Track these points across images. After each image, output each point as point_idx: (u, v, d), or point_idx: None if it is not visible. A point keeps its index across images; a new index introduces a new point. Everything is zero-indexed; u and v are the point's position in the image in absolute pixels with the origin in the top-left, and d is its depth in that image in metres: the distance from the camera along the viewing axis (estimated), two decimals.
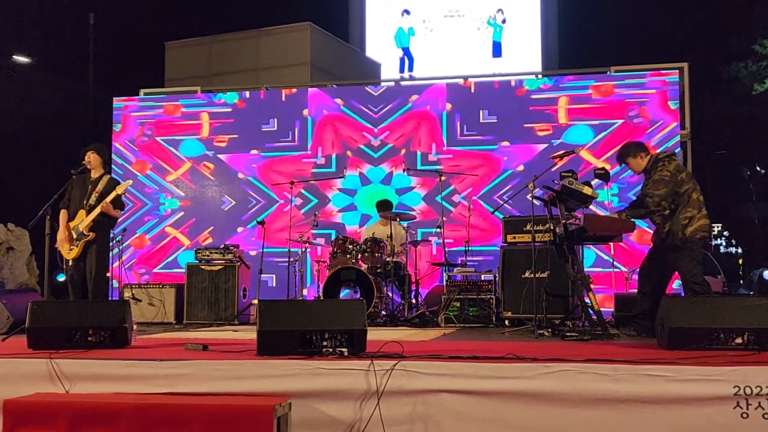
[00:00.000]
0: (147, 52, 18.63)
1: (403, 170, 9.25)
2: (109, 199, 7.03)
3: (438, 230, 8.78)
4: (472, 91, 9.72)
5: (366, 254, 8.39)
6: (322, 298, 8.18)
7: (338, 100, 10.03)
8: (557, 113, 9.37)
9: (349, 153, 9.88)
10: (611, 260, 8.57)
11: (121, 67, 21.15)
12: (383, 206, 9.02)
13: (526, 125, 9.45)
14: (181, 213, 10.18)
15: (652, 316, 5.83)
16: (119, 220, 7.85)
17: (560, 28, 21.08)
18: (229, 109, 10.22)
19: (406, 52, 20.31)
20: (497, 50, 20.17)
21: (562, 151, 6.74)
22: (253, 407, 3.82)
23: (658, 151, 8.74)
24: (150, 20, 21.88)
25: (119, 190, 7.10)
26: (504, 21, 20.21)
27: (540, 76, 10.32)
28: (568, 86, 9.46)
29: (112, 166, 10.10)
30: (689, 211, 5.97)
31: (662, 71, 9.31)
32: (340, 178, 9.56)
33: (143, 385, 4.18)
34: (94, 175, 7.28)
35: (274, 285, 9.73)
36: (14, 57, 20.71)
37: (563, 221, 6.21)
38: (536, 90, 9.53)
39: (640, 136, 9.03)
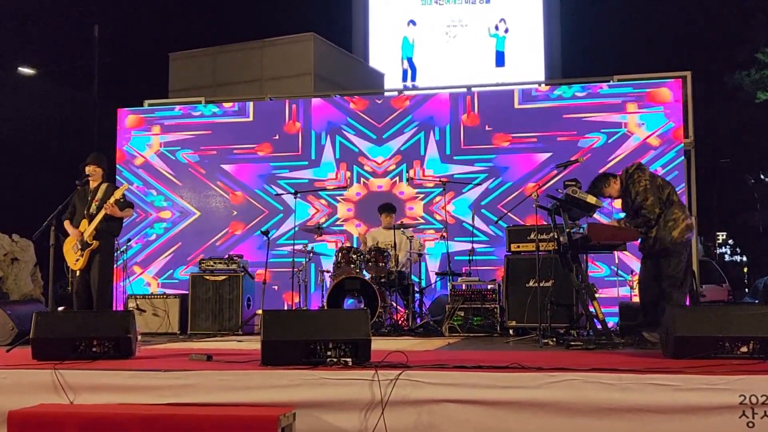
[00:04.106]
0: (151, 63, 18.75)
1: (407, 180, 9.26)
2: (110, 202, 7.08)
3: (442, 240, 8.77)
4: (476, 100, 9.73)
5: (370, 264, 8.39)
6: (326, 307, 8.17)
7: (341, 110, 10.05)
8: (560, 121, 9.36)
9: (352, 163, 9.88)
10: (615, 269, 8.55)
11: (125, 78, 21.25)
12: (385, 208, 9.03)
13: (529, 133, 9.45)
14: (187, 222, 10.18)
15: (656, 325, 5.83)
16: (123, 230, 7.86)
17: (563, 38, 21.12)
18: (234, 120, 10.24)
19: (410, 62, 20.38)
20: (500, 60, 20.23)
21: (566, 161, 6.75)
22: (258, 417, 3.81)
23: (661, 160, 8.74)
24: (154, 31, 22.00)
25: (117, 194, 7.16)
26: (507, 30, 20.26)
27: (543, 85, 10.32)
28: (570, 94, 9.46)
29: (117, 177, 10.15)
30: (674, 213, 5.99)
31: (666, 80, 9.31)
32: (344, 188, 9.56)
33: (148, 396, 4.18)
34: (94, 185, 7.35)
35: (279, 295, 9.72)
36: (19, 69, 20.82)
37: (567, 230, 6.21)
38: (539, 98, 9.54)
39: (643, 144, 9.04)
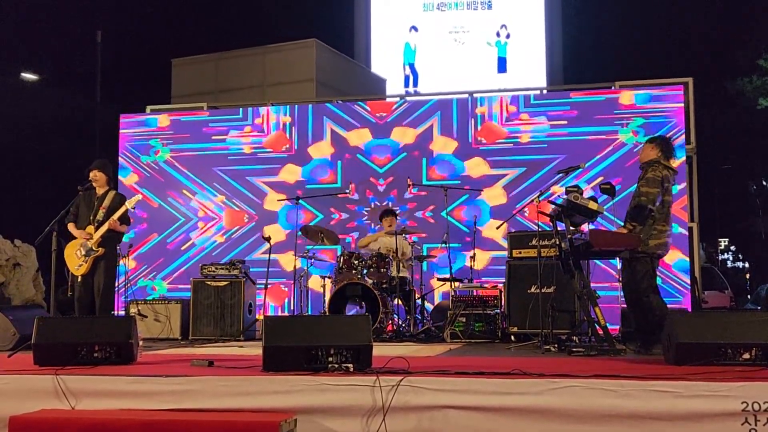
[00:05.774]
0: (154, 68, 18.74)
1: (409, 186, 9.26)
2: (117, 215, 7.10)
3: (443, 245, 8.76)
4: (479, 105, 9.74)
5: (371, 269, 8.38)
6: (327, 313, 8.16)
7: (344, 115, 10.06)
8: (561, 127, 9.37)
9: (355, 168, 9.90)
10: (617, 275, 8.53)
11: (127, 83, 21.28)
12: (386, 212, 9.05)
13: (529, 138, 9.45)
14: (187, 227, 10.19)
15: (648, 330, 5.83)
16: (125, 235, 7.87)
17: (565, 44, 21.14)
18: (236, 125, 10.26)
19: (412, 68, 20.40)
20: (502, 66, 20.25)
21: (567, 166, 6.75)
22: (259, 423, 3.81)
23: None
24: (157, 37, 22.03)
25: (129, 205, 7.17)
26: (509, 36, 20.28)
27: (545, 91, 10.33)
28: (572, 100, 9.47)
29: (118, 181, 10.17)
30: (661, 224, 5.99)
31: (667, 86, 9.31)
32: (346, 193, 9.56)
33: (149, 402, 4.18)
34: (100, 191, 7.35)
35: (280, 301, 9.73)
36: (22, 74, 20.87)
37: (569, 236, 6.20)
38: (541, 104, 9.54)
39: None
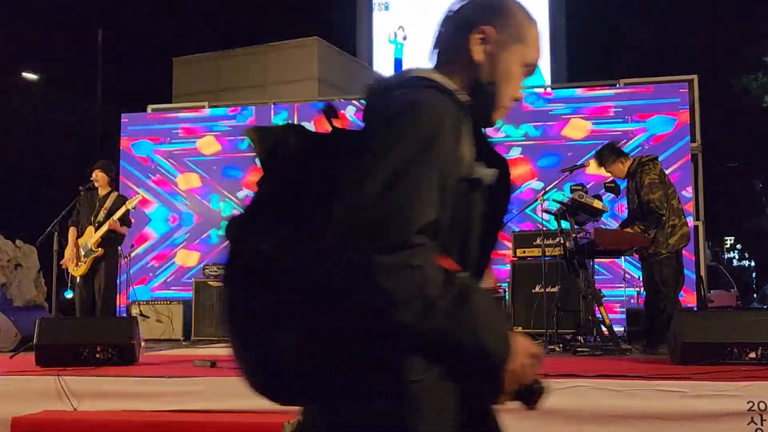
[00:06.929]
0: (155, 67, 18.76)
1: None
2: (117, 215, 7.07)
3: None
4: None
5: None
6: None
7: (347, 114, 10.02)
8: (565, 126, 9.33)
9: None
10: (623, 274, 8.50)
11: (128, 83, 21.28)
12: None
13: (532, 138, 9.42)
14: (190, 229, 10.18)
15: (659, 329, 5.79)
16: (131, 236, 7.86)
17: (569, 42, 21.07)
18: (238, 125, 10.24)
19: None
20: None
21: (572, 165, 6.72)
22: (262, 424, 3.79)
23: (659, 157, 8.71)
24: (158, 36, 22.03)
25: (128, 205, 7.14)
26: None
27: (549, 88, 10.30)
28: (575, 98, 9.43)
29: (120, 181, 10.15)
30: (673, 219, 5.89)
31: (672, 83, 9.27)
32: None
33: (151, 402, 4.16)
34: (102, 192, 7.32)
35: None
36: (23, 74, 20.89)
37: (573, 235, 6.17)
38: (544, 102, 9.51)
39: (651, 150, 9.00)
